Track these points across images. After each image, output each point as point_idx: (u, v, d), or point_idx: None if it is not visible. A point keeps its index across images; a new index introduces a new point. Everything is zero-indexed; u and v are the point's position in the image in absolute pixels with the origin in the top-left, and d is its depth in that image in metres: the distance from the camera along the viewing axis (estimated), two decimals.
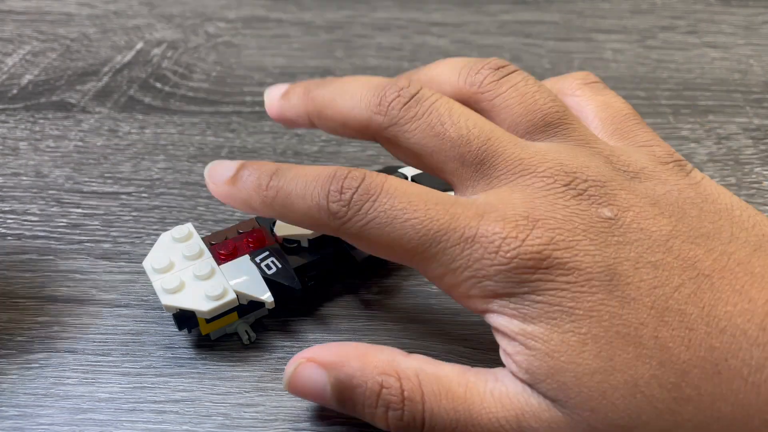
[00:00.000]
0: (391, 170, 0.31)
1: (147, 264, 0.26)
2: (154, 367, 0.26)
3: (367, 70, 0.45)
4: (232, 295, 0.25)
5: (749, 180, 0.36)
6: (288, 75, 0.44)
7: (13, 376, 0.26)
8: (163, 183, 0.35)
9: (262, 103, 0.41)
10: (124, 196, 0.34)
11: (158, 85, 0.43)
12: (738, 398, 0.18)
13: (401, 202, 0.21)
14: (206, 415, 0.25)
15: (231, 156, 0.37)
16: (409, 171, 0.31)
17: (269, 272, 0.26)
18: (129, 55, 0.46)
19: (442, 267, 0.21)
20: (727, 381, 0.19)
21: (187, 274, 0.26)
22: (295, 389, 0.23)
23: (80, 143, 0.38)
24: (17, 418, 0.24)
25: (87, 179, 0.36)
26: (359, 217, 0.22)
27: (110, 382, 0.26)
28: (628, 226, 0.21)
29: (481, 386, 0.21)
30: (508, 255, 0.20)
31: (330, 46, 0.47)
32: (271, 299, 0.25)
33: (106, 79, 0.43)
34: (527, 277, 0.20)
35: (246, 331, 0.27)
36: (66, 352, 0.27)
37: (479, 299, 0.21)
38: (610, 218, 0.21)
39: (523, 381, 0.20)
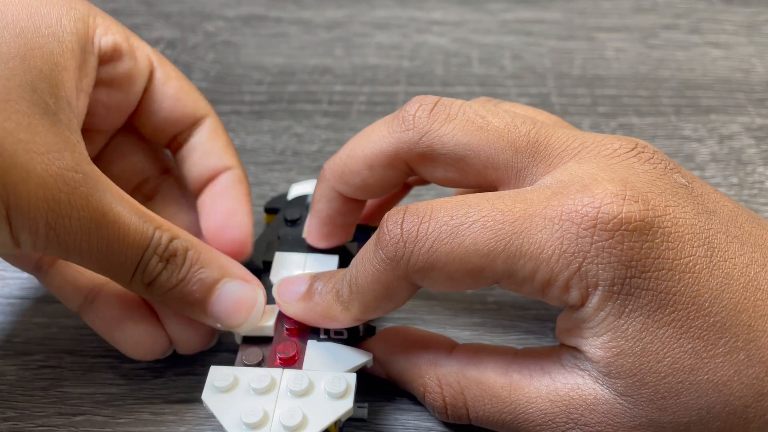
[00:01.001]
0: (279, 199, 0.30)
1: (237, 429, 0.21)
2: (152, 369, 0.26)
3: (366, 69, 0.44)
4: (353, 377, 0.22)
5: (752, 180, 0.35)
6: (287, 74, 0.44)
7: (12, 377, 0.26)
8: None
9: (261, 102, 0.41)
10: None
11: None
12: None
13: (459, 209, 0.19)
14: (205, 418, 0.24)
15: None
16: (301, 191, 0.30)
17: (344, 336, 0.24)
18: None
19: (532, 261, 0.18)
20: None
21: (288, 401, 0.21)
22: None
23: None
24: (16, 419, 0.24)
25: None
26: (420, 244, 0.19)
27: (109, 384, 0.25)
28: (702, 196, 0.19)
29: (526, 385, 0.20)
30: (609, 227, 0.18)
31: (329, 45, 0.47)
32: (371, 356, 0.23)
33: None
34: (634, 253, 0.18)
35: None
36: (64, 353, 0.27)
37: (578, 290, 0.18)
38: (685, 185, 0.19)
39: (595, 370, 0.19)
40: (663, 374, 0.18)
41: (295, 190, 0.30)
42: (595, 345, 0.19)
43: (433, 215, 0.20)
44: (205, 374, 0.25)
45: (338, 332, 0.24)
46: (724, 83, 0.43)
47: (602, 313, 0.18)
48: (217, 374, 0.22)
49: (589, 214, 0.18)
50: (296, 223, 0.28)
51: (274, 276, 0.26)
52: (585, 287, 0.18)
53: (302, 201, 0.30)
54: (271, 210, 0.30)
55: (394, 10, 0.51)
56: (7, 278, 0.30)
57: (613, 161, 0.20)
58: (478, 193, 0.20)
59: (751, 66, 0.45)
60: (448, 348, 0.22)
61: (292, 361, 0.23)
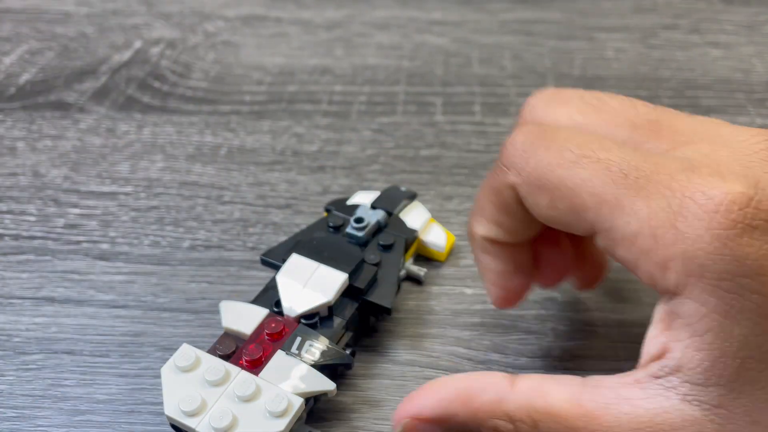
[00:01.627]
0: (339, 202, 0.30)
1: (172, 412, 0.21)
2: (152, 369, 0.26)
3: (366, 69, 0.44)
4: (298, 401, 0.22)
5: None
6: (287, 74, 0.44)
7: (11, 378, 0.26)
8: (161, 183, 0.35)
9: (260, 102, 0.41)
10: (122, 196, 0.34)
11: (156, 84, 0.43)
12: None
13: (591, 143, 0.19)
14: None
15: (230, 155, 0.37)
16: (361, 200, 0.30)
17: (316, 359, 0.23)
18: (127, 54, 0.46)
19: (638, 222, 0.17)
20: None
21: (228, 402, 0.21)
22: None
23: (78, 143, 0.38)
24: (15, 419, 0.24)
25: (85, 179, 0.35)
26: (539, 156, 0.19)
27: (108, 384, 0.25)
28: None
29: (603, 414, 0.18)
30: (733, 217, 0.16)
31: (329, 45, 0.47)
32: (334, 386, 0.23)
33: (104, 78, 0.43)
34: (752, 251, 0.16)
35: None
36: (64, 353, 0.27)
37: (676, 275, 0.17)
38: None
39: (686, 382, 0.17)
40: (763, 384, 0.17)
41: (357, 198, 0.31)
42: (693, 346, 0.17)
43: (564, 137, 0.19)
44: None
45: (310, 353, 0.23)
46: (724, 83, 0.43)
47: (704, 308, 0.17)
48: (184, 352, 0.23)
49: (716, 198, 0.17)
50: (338, 229, 0.28)
51: (280, 276, 0.26)
52: (686, 274, 0.17)
53: (352, 209, 0.29)
54: (327, 210, 0.30)
55: (394, 10, 0.51)
56: (7, 278, 0.30)
57: (750, 152, 0.18)
58: (629, 118, 0.20)
59: (751, 66, 0.45)
60: (508, 382, 0.20)
61: (257, 364, 0.23)
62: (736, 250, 0.16)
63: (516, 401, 0.19)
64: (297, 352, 0.23)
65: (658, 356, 0.18)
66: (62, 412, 0.25)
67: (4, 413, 0.24)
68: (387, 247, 0.28)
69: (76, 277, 0.30)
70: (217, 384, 0.22)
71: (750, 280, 0.16)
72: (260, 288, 0.27)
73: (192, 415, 0.21)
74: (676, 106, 0.41)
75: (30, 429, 0.24)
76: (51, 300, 0.29)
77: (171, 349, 0.27)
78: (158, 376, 0.25)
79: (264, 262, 0.27)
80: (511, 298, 0.24)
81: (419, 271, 0.29)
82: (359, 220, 0.28)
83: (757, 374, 0.17)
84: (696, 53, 0.46)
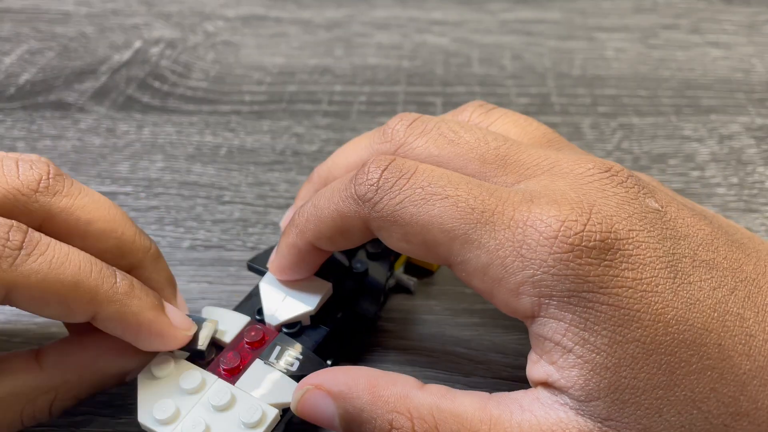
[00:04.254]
0: None
1: (145, 420, 0.21)
2: None
3: (366, 69, 0.44)
4: (273, 412, 0.21)
5: (752, 180, 0.35)
6: (287, 74, 0.44)
7: None
8: (161, 183, 0.35)
9: (260, 102, 0.41)
10: (121, 196, 0.34)
11: (156, 84, 0.43)
12: None
13: (441, 180, 0.20)
14: None
15: (230, 155, 0.37)
16: None
17: (294, 369, 0.22)
18: (127, 54, 0.46)
19: (487, 255, 0.19)
20: None
21: (203, 411, 0.21)
22: (303, 414, 0.21)
23: (78, 143, 0.38)
24: None
25: (84, 179, 0.35)
26: (392, 194, 0.20)
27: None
28: (674, 221, 0.19)
29: (506, 420, 0.19)
30: (570, 241, 0.18)
31: (329, 45, 0.47)
32: None
33: (104, 78, 0.43)
34: (591, 269, 0.18)
35: None
36: None
37: (529, 298, 0.18)
38: (658, 209, 0.20)
39: (572, 399, 0.18)
40: (641, 389, 0.18)
41: None
42: (566, 366, 0.18)
43: (415, 175, 0.20)
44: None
45: (289, 363, 0.23)
46: (724, 83, 0.43)
47: (564, 324, 0.18)
48: (160, 360, 0.22)
49: (553, 226, 0.18)
50: None
51: (263, 283, 0.25)
52: (538, 296, 0.18)
53: None
54: None
55: (394, 10, 0.51)
56: None
57: (585, 181, 0.20)
58: (462, 174, 0.21)
59: (751, 66, 0.45)
60: (420, 384, 0.20)
61: (233, 373, 0.22)
62: (577, 270, 0.18)
63: (422, 399, 0.20)
64: (275, 361, 0.23)
65: (543, 382, 0.19)
66: (62, 413, 0.24)
67: None
68: (375, 256, 0.27)
69: None
70: (192, 392, 0.22)
71: (595, 294, 0.18)
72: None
73: (165, 423, 0.21)
74: (676, 106, 0.41)
75: (31, 429, 0.24)
76: None
77: None
78: None
79: (250, 268, 0.27)
80: (288, 277, 0.25)
81: (409, 280, 0.29)
82: None
83: (634, 381, 0.17)
84: (696, 53, 0.46)
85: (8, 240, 0.19)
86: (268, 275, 0.25)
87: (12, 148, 0.37)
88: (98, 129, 0.39)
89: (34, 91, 0.42)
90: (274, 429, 0.21)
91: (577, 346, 0.18)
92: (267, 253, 0.27)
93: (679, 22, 0.50)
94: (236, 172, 0.36)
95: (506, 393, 0.20)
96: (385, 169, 0.21)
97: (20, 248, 0.19)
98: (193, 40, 0.47)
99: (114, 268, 0.21)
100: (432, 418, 0.19)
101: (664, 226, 0.19)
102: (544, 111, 0.41)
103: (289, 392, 0.22)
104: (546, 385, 0.19)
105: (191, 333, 0.23)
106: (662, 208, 0.20)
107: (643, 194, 0.20)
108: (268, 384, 0.22)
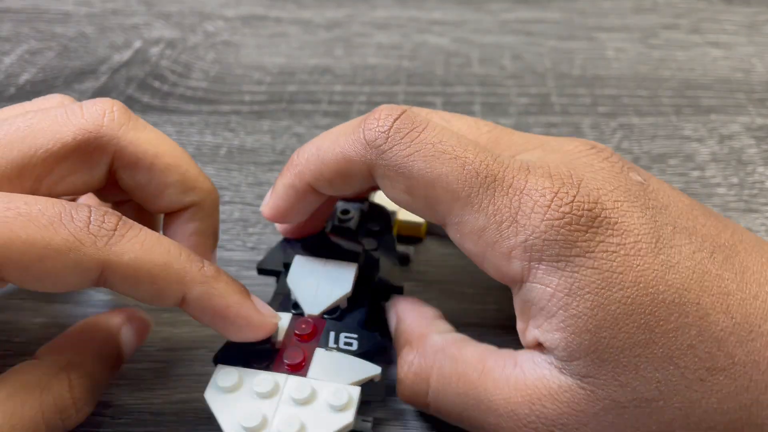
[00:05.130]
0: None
1: (233, 430, 0.21)
2: (153, 369, 0.26)
3: (366, 69, 0.44)
4: (356, 390, 0.22)
5: (752, 180, 0.35)
6: (287, 74, 0.44)
7: None
8: None
9: (260, 102, 0.41)
10: None
11: (156, 84, 0.43)
12: None
13: (450, 139, 0.20)
14: (205, 418, 0.24)
15: (229, 155, 0.37)
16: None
17: (355, 348, 0.23)
18: (127, 54, 0.46)
19: (485, 218, 0.20)
20: (761, 348, 0.19)
21: (288, 408, 0.21)
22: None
23: None
24: None
25: None
26: (403, 145, 0.20)
27: (109, 384, 0.25)
28: (656, 192, 0.21)
29: (497, 371, 0.21)
30: (561, 210, 0.19)
31: (329, 45, 0.47)
32: (380, 369, 0.23)
33: (104, 78, 0.43)
34: (579, 235, 0.19)
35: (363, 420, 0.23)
36: None
37: (520, 262, 0.20)
38: (641, 182, 0.21)
39: (556, 359, 0.20)
40: (620, 348, 0.19)
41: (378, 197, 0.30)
42: (551, 329, 0.19)
43: (426, 130, 0.21)
44: (205, 374, 0.25)
45: (348, 343, 0.23)
46: (724, 83, 0.43)
47: (549, 289, 0.19)
48: (223, 373, 0.22)
49: (547, 196, 0.19)
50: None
51: (290, 279, 0.25)
52: (528, 260, 0.19)
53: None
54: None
55: (394, 10, 0.51)
56: None
57: (574, 157, 0.21)
58: (472, 139, 0.21)
59: (751, 66, 0.45)
60: (442, 325, 0.24)
61: (299, 368, 0.22)
62: (567, 236, 0.19)
63: (434, 340, 0.23)
64: (335, 345, 0.23)
65: (532, 346, 0.21)
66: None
67: None
68: (378, 232, 0.28)
69: None
70: (268, 396, 0.21)
71: (582, 258, 0.19)
72: (260, 289, 0.27)
73: (258, 430, 0.20)
74: (676, 106, 0.41)
75: None
76: (51, 300, 0.29)
77: (171, 349, 0.27)
78: (159, 376, 0.26)
79: (261, 271, 0.27)
80: (280, 220, 0.25)
81: (407, 250, 0.30)
82: (345, 212, 0.28)
83: (613, 341, 0.19)
84: (696, 53, 0.46)
85: (103, 222, 0.20)
86: (290, 271, 0.26)
87: None
88: None
89: (34, 91, 0.42)
90: (375, 392, 0.23)
91: (561, 311, 0.19)
92: (271, 254, 0.27)
93: (679, 22, 0.50)
94: (236, 172, 0.36)
95: (510, 350, 0.22)
96: (397, 119, 0.21)
97: (114, 230, 0.20)
98: (193, 40, 0.47)
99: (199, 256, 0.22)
100: (433, 358, 0.22)
101: (646, 197, 0.20)
102: (544, 111, 0.41)
103: (359, 370, 0.22)
104: (538, 346, 0.20)
105: (278, 321, 0.23)
106: (645, 181, 0.21)
107: (627, 168, 0.21)
108: (339, 367, 0.22)
